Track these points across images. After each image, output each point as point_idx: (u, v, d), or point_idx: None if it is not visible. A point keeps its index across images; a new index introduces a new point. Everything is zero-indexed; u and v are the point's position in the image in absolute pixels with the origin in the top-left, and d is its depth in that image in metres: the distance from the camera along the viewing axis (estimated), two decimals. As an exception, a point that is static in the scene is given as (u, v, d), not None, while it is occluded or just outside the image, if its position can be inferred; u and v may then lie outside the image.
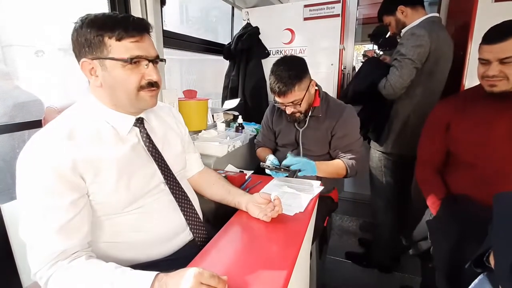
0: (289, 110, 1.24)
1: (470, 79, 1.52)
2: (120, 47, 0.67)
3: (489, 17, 1.30)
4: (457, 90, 1.55)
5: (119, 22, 0.67)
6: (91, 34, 0.66)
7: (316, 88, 1.31)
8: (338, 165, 1.28)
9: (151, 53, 0.72)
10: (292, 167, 1.16)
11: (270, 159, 1.27)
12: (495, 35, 0.93)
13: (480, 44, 0.98)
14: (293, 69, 1.17)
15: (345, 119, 1.27)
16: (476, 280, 0.67)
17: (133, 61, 0.68)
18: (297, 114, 1.27)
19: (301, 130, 1.33)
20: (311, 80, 1.24)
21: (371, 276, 1.72)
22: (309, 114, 1.30)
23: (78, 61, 0.70)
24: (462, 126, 1.08)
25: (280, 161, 1.29)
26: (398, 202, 1.65)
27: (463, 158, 1.09)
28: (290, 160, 1.17)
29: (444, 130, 1.14)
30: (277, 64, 1.21)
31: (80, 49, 0.68)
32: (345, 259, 1.87)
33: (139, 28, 0.69)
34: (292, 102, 1.20)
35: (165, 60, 0.83)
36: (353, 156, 1.28)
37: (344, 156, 1.29)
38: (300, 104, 1.21)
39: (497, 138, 1.00)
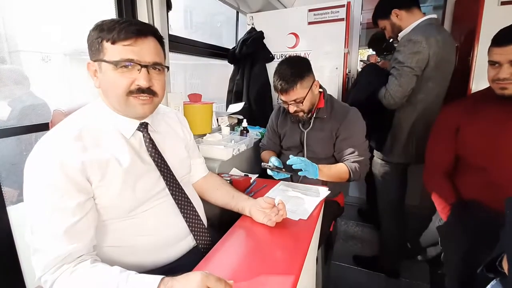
0: (291, 109, 1.25)
1: (477, 83, 1.51)
2: (114, 50, 0.67)
3: (495, 20, 1.30)
4: (464, 94, 1.53)
5: (116, 26, 0.66)
6: (94, 37, 0.69)
7: (321, 90, 1.31)
8: (340, 169, 1.27)
9: (145, 58, 0.69)
10: (294, 166, 1.15)
11: (272, 160, 1.27)
12: (506, 37, 0.92)
13: (490, 46, 0.97)
14: (296, 67, 1.20)
15: (350, 121, 1.27)
16: (488, 286, 0.66)
17: (121, 64, 0.67)
18: (300, 114, 1.27)
19: (305, 132, 1.33)
20: (314, 79, 1.25)
21: (377, 282, 1.69)
22: (314, 116, 1.30)
23: None
24: (472, 129, 1.07)
25: (284, 164, 1.28)
26: (401, 208, 1.62)
27: (473, 162, 1.07)
28: (293, 159, 1.17)
29: (454, 133, 1.12)
30: (281, 63, 1.24)
31: (89, 51, 0.71)
32: (351, 263, 1.84)
33: (131, 31, 0.67)
34: (294, 100, 1.22)
35: (168, 67, 0.79)
36: (357, 159, 1.26)
37: (348, 159, 1.28)
38: (302, 103, 1.22)
39: (508, 141, 0.98)
